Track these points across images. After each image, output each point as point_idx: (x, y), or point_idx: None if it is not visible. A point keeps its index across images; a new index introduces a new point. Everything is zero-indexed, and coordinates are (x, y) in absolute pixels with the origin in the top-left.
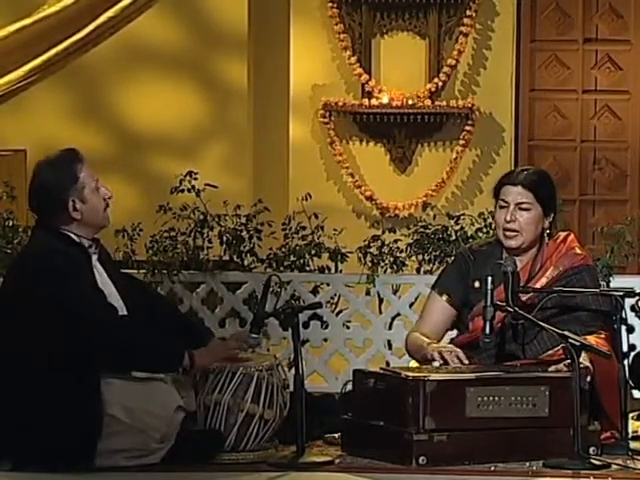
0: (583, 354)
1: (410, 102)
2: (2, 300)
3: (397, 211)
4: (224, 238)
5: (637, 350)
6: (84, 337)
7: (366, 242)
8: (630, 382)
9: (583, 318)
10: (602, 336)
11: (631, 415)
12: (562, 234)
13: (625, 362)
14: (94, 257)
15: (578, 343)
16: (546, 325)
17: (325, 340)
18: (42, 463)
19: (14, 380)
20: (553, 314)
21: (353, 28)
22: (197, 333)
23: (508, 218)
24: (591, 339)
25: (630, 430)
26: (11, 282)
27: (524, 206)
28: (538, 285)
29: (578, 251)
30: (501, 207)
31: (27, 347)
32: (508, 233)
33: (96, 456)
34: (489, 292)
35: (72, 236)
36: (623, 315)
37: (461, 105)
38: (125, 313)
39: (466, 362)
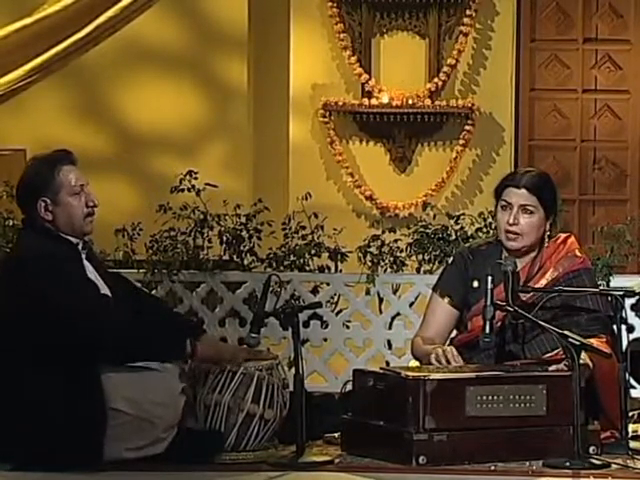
0: (583, 354)
1: (410, 102)
2: None
3: (397, 211)
4: (224, 238)
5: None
6: (80, 331)
7: (366, 242)
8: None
9: (583, 322)
10: (603, 339)
11: (630, 414)
12: (562, 235)
13: (625, 355)
14: (83, 254)
15: (578, 342)
16: (546, 325)
17: (325, 340)
18: (48, 463)
19: (15, 380)
20: (553, 316)
21: (353, 28)
22: (188, 329)
23: (511, 221)
24: (592, 341)
25: (630, 430)
26: (3, 284)
27: (528, 209)
28: (537, 286)
29: (578, 254)
30: (504, 209)
31: (26, 347)
32: (510, 235)
33: (103, 452)
34: (489, 291)
35: (59, 233)
36: (623, 315)
37: (461, 105)
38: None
39: (458, 359)
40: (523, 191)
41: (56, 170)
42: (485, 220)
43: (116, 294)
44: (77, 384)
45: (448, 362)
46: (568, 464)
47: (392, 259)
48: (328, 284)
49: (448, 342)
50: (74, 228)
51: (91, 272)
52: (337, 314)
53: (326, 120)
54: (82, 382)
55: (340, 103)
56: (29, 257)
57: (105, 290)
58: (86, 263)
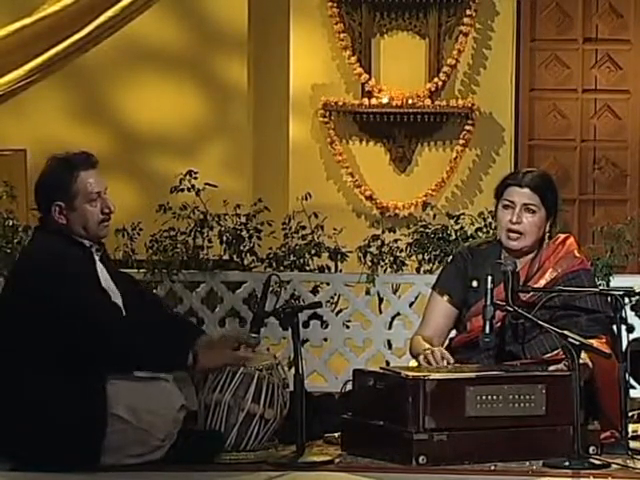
0: (583, 354)
1: (410, 102)
2: (5, 301)
3: (397, 211)
4: (224, 238)
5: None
6: (88, 337)
7: (366, 242)
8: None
9: (582, 322)
10: (602, 340)
11: (630, 414)
12: (562, 236)
13: (625, 355)
14: (97, 256)
15: (578, 342)
16: (546, 324)
17: (325, 340)
18: (46, 463)
19: (18, 381)
20: (552, 317)
21: (353, 28)
22: (187, 330)
23: (514, 219)
24: (591, 342)
25: (630, 430)
26: (13, 284)
27: (531, 208)
28: (536, 287)
29: (577, 254)
30: (505, 207)
31: (31, 348)
32: (512, 234)
33: (101, 456)
34: (489, 291)
35: (72, 236)
36: (623, 315)
37: (461, 105)
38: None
39: (450, 358)
40: (526, 190)
41: (74, 176)
42: (485, 220)
43: (126, 298)
44: (80, 386)
45: (438, 362)
46: (568, 464)
47: (392, 259)
48: (328, 284)
49: (447, 342)
50: (88, 233)
51: (104, 276)
52: (337, 314)
53: (326, 120)
54: (85, 385)
55: (340, 103)
56: (37, 258)
57: (116, 297)
58: (100, 267)
